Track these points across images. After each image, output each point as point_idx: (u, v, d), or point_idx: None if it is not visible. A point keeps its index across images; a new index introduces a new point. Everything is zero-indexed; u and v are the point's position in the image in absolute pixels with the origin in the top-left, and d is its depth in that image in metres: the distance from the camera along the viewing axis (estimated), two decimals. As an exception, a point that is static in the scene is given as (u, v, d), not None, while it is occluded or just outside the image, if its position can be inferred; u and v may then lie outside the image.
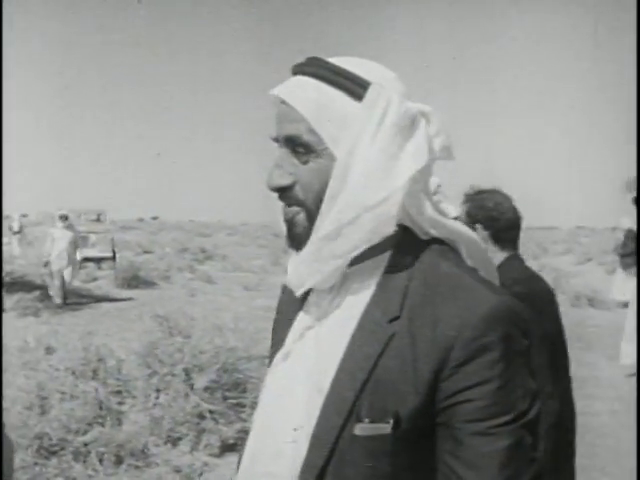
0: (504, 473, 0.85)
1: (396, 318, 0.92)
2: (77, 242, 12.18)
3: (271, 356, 1.12)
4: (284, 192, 0.99)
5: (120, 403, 4.50)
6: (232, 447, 4.44)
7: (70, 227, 11.94)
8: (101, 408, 4.38)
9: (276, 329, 1.15)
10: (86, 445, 4.11)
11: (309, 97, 0.96)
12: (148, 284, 14.51)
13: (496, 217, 2.24)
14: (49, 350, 5.02)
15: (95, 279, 15.00)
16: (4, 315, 9.93)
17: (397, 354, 0.90)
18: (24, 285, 12.10)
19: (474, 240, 1.07)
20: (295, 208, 0.99)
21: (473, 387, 0.86)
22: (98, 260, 17.18)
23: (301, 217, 0.99)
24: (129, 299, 12.31)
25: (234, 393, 4.57)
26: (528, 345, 0.92)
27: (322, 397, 0.94)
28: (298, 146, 0.96)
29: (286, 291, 1.15)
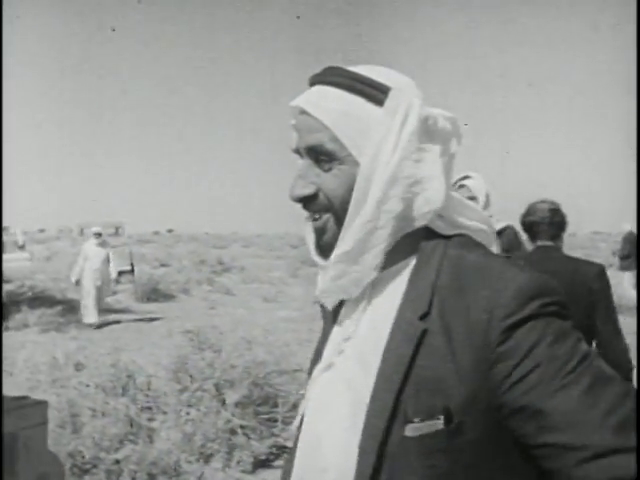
0: (601, 408, 0.82)
1: (426, 314, 0.91)
2: (110, 259, 11.79)
3: (310, 371, 1.11)
4: (308, 202, 0.99)
5: (151, 419, 4.47)
6: (264, 463, 4.39)
7: (103, 244, 11.65)
8: (132, 425, 4.35)
9: (318, 344, 1.15)
10: (118, 462, 4.08)
11: (331, 106, 0.96)
12: (167, 297, 14.54)
13: (525, 216, 3.11)
14: (78, 367, 5.00)
15: (115, 293, 15.04)
16: (27, 331, 10.00)
17: (434, 351, 0.89)
18: (45, 300, 12.17)
19: (489, 232, 1.08)
20: (324, 215, 0.99)
21: (527, 357, 0.84)
22: (117, 274, 17.26)
23: (331, 223, 0.99)
24: (152, 314, 12.33)
25: (265, 408, 4.52)
26: (567, 310, 0.90)
27: (365, 406, 0.92)
28: (321, 155, 0.97)
29: (322, 305, 1.15)
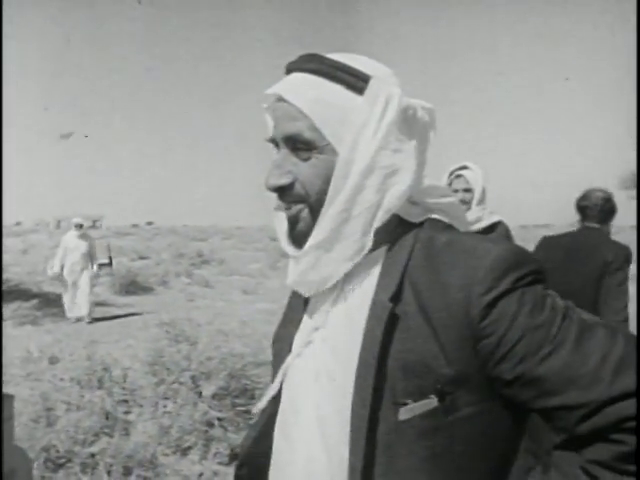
0: (593, 360, 0.83)
1: (396, 295, 0.91)
2: (93, 252, 11.11)
3: (275, 355, 1.11)
4: (283, 191, 0.97)
5: (127, 412, 4.43)
6: (242, 455, 4.38)
7: (85, 236, 10.90)
8: (108, 418, 4.31)
9: (279, 334, 1.14)
10: (94, 456, 4.04)
11: (311, 94, 0.94)
12: (146, 290, 14.43)
13: (580, 200, 3.55)
14: (53, 360, 4.94)
15: (93, 286, 14.90)
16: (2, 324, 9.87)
17: (414, 333, 0.89)
18: (21, 293, 12.01)
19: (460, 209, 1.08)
20: (298, 205, 0.97)
21: (510, 329, 0.85)
22: (97, 267, 17.09)
23: (305, 213, 0.97)
24: (130, 307, 12.22)
25: (242, 400, 4.51)
26: (541, 275, 0.91)
27: (341, 396, 0.92)
28: (299, 144, 0.95)
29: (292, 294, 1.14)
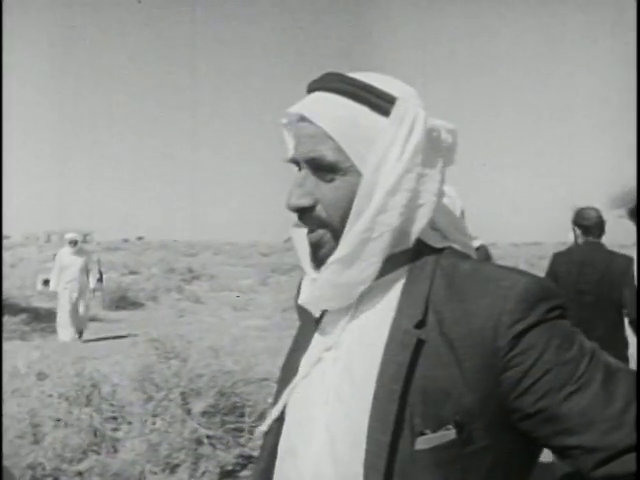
0: (616, 406, 0.82)
1: (421, 322, 0.89)
2: (89, 268, 10.62)
3: (282, 378, 1.08)
4: (304, 213, 0.96)
5: (115, 430, 4.38)
6: (230, 473, 4.34)
7: (80, 252, 10.50)
8: (96, 435, 4.26)
9: (288, 360, 1.11)
10: (81, 474, 3.99)
11: (335, 114, 0.93)
12: (136, 305, 14.37)
13: (579, 219, 4.14)
14: (41, 376, 4.89)
15: (88, 304, 14.80)
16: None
17: (436, 361, 0.87)
18: (9, 308, 11.90)
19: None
20: (320, 231, 0.95)
21: (537, 362, 0.84)
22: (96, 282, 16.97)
23: (327, 238, 0.95)
24: (120, 322, 12.13)
25: (232, 417, 4.47)
26: (567, 311, 0.90)
27: (353, 419, 0.90)
28: (323, 166, 0.93)
29: (301, 309, 1.10)
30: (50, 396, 4.49)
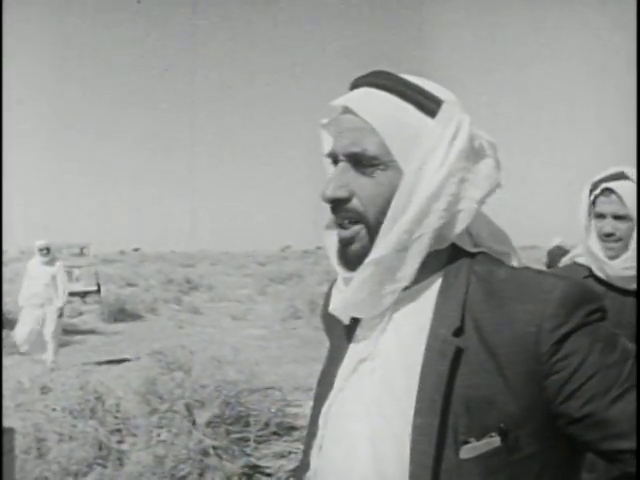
0: None
1: (459, 330, 0.88)
2: (61, 278, 8.75)
3: (319, 394, 1.06)
4: (338, 205, 0.94)
5: (120, 442, 4.38)
6: (237, 483, 4.33)
7: (52, 261, 8.75)
8: (101, 448, 4.25)
9: (323, 376, 1.08)
10: (86, 488, 3.98)
11: (381, 110, 0.92)
12: (135, 317, 14.31)
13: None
14: (44, 390, 4.89)
15: (81, 314, 14.78)
16: (-10, 354, 9.70)
17: (477, 368, 0.86)
18: (8, 323, 11.84)
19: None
20: (356, 226, 0.94)
21: (581, 366, 0.84)
22: (83, 294, 16.96)
23: (362, 234, 0.94)
24: (119, 334, 12.09)
25: (237, 427, 4.47)
26: (607, 313, 0.91)
27: (391, 432, 0.89)
28: (364, 159, 0.92)
29: (330, 320, 1.08)
30: (54, 410, 4.49)
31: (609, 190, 2.05)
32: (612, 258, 2.01)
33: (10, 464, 1.43)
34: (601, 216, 2.07)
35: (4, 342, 10.21)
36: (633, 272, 1.97)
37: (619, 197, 2.03)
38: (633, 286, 1.98)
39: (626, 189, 2.03)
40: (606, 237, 2.04)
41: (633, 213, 2.01)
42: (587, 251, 2.10)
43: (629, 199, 2.02)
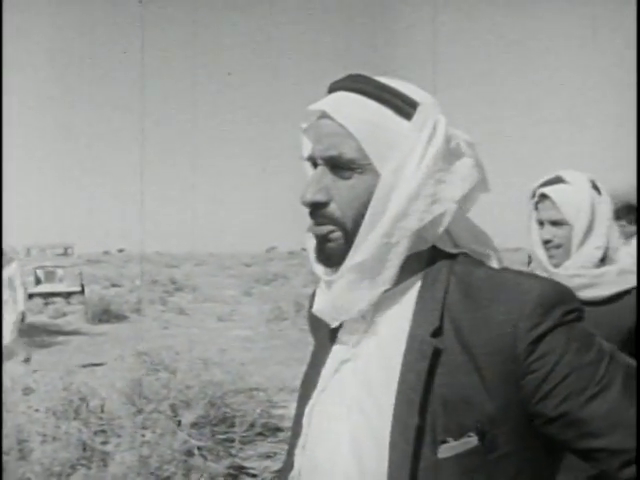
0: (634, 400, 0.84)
1: (438, 330, 0.89)
2: (19, 281, 7.50)
3: (302, 395, 1.07)
4: (317, 209, 0.95)
5: (105, 443, 4.35)
6: (222, 484, 4.33)
7: (9, 262, 7.40)
8: (85, 449, 4.23)
9: (307, 376, 1.09)
10: (70, 489, 3.96)
11: (358, 114, 0.93)
12: (119, 318, 14.23)
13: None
14: (27, 391, 4.84)
15: (64, 314, 14.66)
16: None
17: (455, 369, 0.88)
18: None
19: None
20: (329, 227, 0.95)
21: (557, 366, 0.85)
22: (67, 295, 16.81)
23: (337, 235, 0.95)
24: (103, 335, 12.01)
25: (222, 428, 4.47)
26: (583, 313, 0.92)
27: (376, 430, 0.90)
28: (341, 163, 0.93)
29: (315, 321, 1.09)
30: (37, 411, 4.45)
31: (544, 196, 2.03)
32: (556, 266, 1.98)
33: None
34: (540, 223, 2.05)
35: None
36: (582, 280, 1.90)
37: (553, 202, 2.00)
38: (590, 295, 1.88)
39: (561, 193, 2.00)
40: (545, 244, 2.02)
41: (571, 218, 1.97)
42: (535, 259, 2.07)
43: (565, 204, 1.97)
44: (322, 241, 0.97)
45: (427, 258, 0.97)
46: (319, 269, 1.00)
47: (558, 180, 2.03)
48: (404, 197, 0.91)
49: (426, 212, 0.92)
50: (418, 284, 0.96)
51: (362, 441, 0.91)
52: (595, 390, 0.84)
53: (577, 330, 0.88)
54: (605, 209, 2.00)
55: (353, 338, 0.99)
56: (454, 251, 0.98)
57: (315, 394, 1.01)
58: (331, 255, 0.96)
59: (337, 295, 0.96)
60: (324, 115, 0.96)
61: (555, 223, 2.00)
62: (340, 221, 0.94)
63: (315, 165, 0.98)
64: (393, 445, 0.87)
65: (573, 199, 1.97)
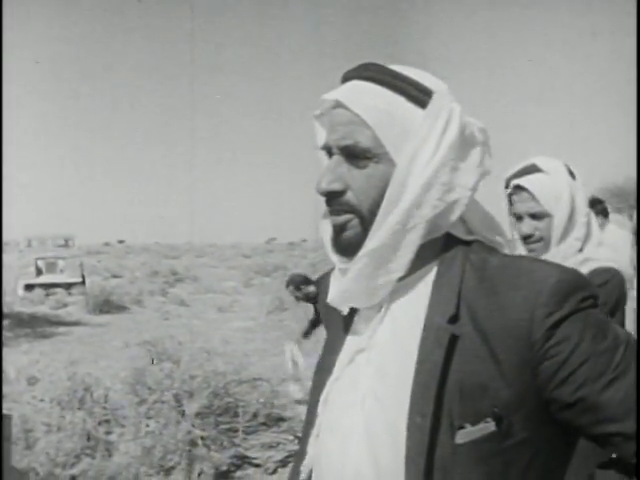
0: None
1: (454, 317, 0.90)
2: None
3: (316, 384, 1.08)
4: (333, 198, 0.96)
5: (108, 433, 4.37)
6: (225, 474, 4.35)
7: None
8: (89, 439, 4.25)
9: (320, 365, 1.10)
10: (75, 478, 3.98)
11: (373, 103, 0.93)
12: (120, 309, 14.27)
13: None
14: (31, 381, 4.86)
15: (65, 305, 14.69)
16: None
17: (472, 355, 0.88)
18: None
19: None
20: (347, 215, 0.95)
21: (573, 353, 0.85)
22: (67, 286, 16.84)
23: (354, 223, 0.95)
24: (104, 326, 12.03)
25: (226, 418, 4.49)
26: (598, 300, 0.92)
27: (391, 418, 0.90)
28: (357, 152, 0.93)
29: (327, 310, 1.09)
30: (42, 401, 4.47)
31: (519, 187, 1.91)
32: None
33: (7, 451, 1.44)
34: (519, 217, 1.92)
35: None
36: None
37: (531, 194, 1.88)
38: None
39: (538, 184, 1.88)
40: (526, 239, 1.92)
41: (552, 209, 1.87)
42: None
43: (544, 195, 1.86)
44: (339, 230, 0.97)
45: (442, 246, 0.97)
46: (334, 257, 1.00)
47: (533, 169, 1.92)
48: (419, 185, 0.91)
49: (441, 200, 0.92)
50: (433, 272, 0.96)
51: (376, 429, 0.92)
52: (611, 376, 0.85)
53: (593, 317, 0.89)
54: (582, 196, 1.91)
55: (368, 327, 0.99)
56: (468, 238, 0.99)
57: (329, 382, 1.02)
58: (349, 244, 0.96)
59: (351, 282, 0.96)
60: (338, 104, 0.96)
61: (535, 216, 1.90)
62: (357, 209, 0.95)
63: (330, 154, 0.98)
64: (410, 432, 0.88)
65: (552, 189, 1.88)
